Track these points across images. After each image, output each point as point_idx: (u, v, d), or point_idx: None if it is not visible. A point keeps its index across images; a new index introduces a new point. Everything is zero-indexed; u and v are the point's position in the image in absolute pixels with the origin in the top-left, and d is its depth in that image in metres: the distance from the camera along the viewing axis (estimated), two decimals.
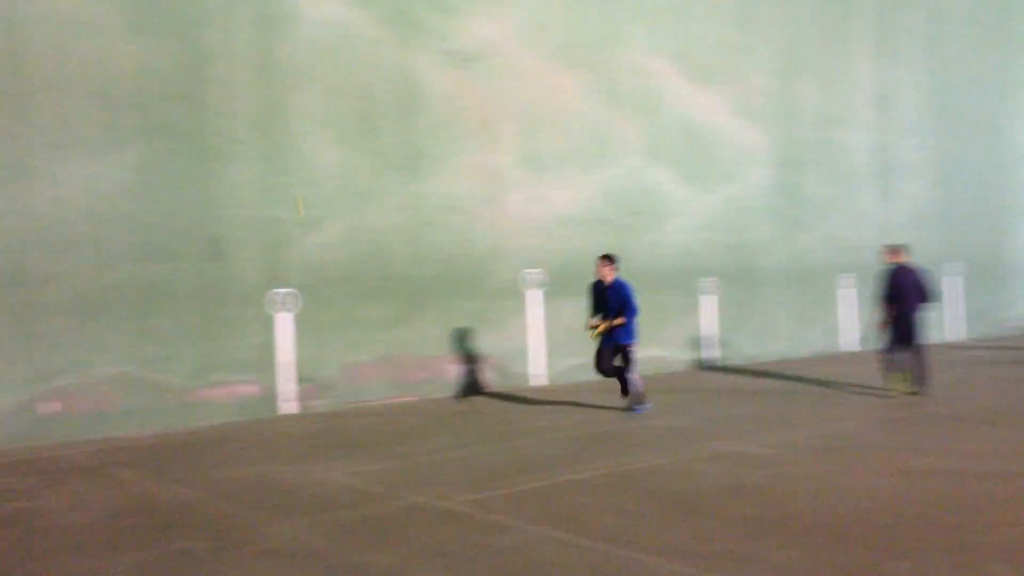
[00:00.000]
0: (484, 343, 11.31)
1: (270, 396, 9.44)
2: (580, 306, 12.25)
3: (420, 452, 7.71)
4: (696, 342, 13.60)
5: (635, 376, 9.44)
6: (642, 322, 12.96)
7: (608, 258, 9.50)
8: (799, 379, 12.23)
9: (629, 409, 9.43)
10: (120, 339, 8.53)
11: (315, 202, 9.85)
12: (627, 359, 9.44)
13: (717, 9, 13.88)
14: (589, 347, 12.48)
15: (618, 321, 9.22)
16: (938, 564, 4.91)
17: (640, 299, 12.81)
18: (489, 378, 11.31)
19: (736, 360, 14.02)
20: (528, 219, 11.77)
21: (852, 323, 15.66)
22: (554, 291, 11.89)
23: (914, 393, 10.54)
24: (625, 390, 9.56)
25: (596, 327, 9.33)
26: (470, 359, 11.21)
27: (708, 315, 13.73)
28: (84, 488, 6.48)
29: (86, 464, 7.26)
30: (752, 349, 14.31)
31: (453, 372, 11.06)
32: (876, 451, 7.76)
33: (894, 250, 10.88)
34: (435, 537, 5.34)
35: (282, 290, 9.54)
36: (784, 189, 14.84)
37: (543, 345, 11.76)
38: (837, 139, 15.65)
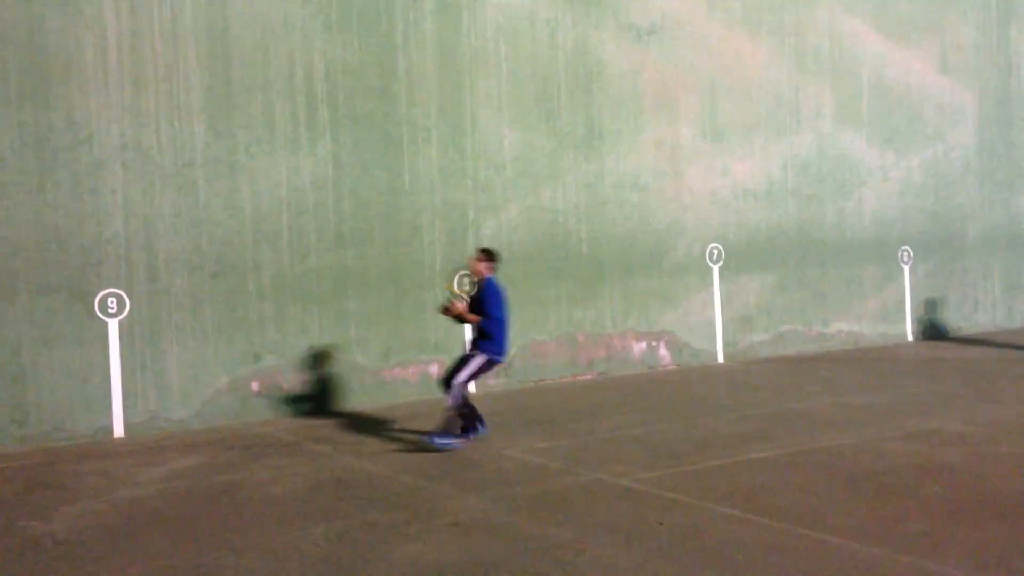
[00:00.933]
0: (664, 320, 11.24)
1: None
2: (761, 283, 11.91)
3: (599, 430, 7.80)
4: (894, 315, 12.88)
5: (457, 396, 7.21)
6: (833, 295, 12.58)
7: (485, 252, 7.57)
8: (1007, 351, 11.34)
9: (426, 435, 7.21)
10: (318, 322, 9.14)
11: (495, 184, 10.11)
12: (465, 362, 7.30)
13: None
14: (771, 324, 12.16)
15: (472, 317, 7.34)
16: None
17: (819, 272, 12.28)
18: (667, 356, 11.23)
19: (939, 333, 13.16)
20: (710, 193, 11.55)
21: None
22: (736, 266, 11.61)
23: None
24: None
25: (448, 309, 7.45)
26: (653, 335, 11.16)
27: (907, 286, 12.96)
28: (284, 463, 7.02)
29: (287, 440, 7.86)
30: (957, 321, 13.38)
31: (634, 349, 11.07)
32: None
33: None
34: (612, 513, 5.42)
35: (462, 272, 9.90)
36: (994, 149, 13.72)
37: (720, 322, 11.53)
38: None
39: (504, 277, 10.07)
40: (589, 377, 10.60)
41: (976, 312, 13.61)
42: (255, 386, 8.86)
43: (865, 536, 4.86)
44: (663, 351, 11.22)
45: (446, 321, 9.83)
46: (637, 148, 11.06)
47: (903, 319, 12.96)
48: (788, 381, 9.96)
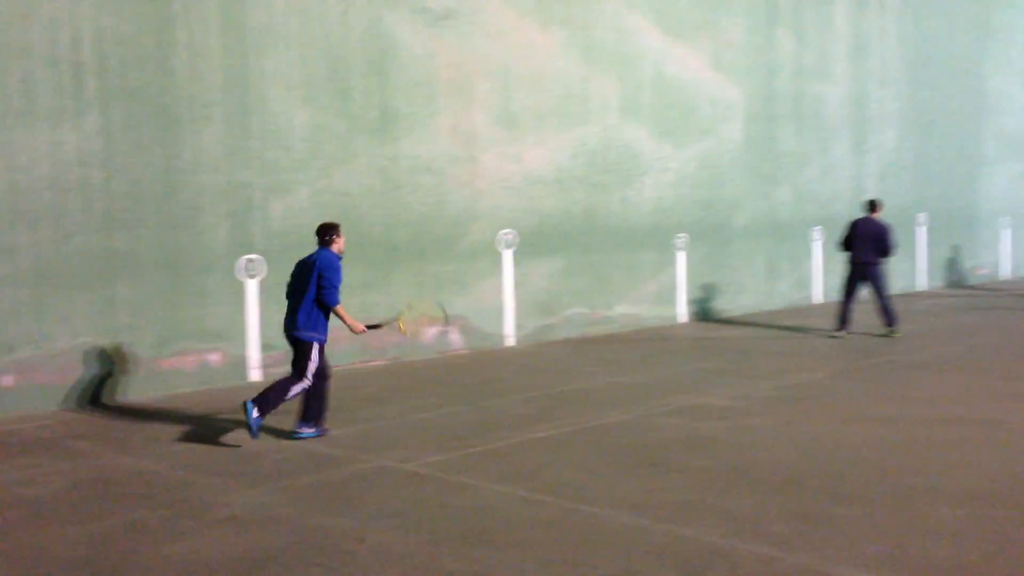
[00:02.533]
0: (457, 305, 11.38)
1: (239, 364, 9.49)
2: (551, 268, 12.31)
3: (387, 416, 7.79)
4: (669, 298, 13.70)
5: (296, 389, 6.88)
6: (616, 279, 13.22)
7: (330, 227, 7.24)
8: (766, 331, 12.37)
9: (295, 433, 6.95)
10: (82, 310, 8.53)
11: (284, 166, 9.82)
12: (302, 363, 6.93)
13: None
14: (558, 307, 12.62)
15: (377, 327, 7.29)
16: (884, 509, 5.05)
17: (604, 257, 12.89)
18: (459, 340, 11.39)
19: (707, 315, 14.13)
20: (503, 179, 11.77)
21: (823, 275, 15.79)
22: (527, 252, 11.93)
23: (888, 335, 11.17)
24: (266, 403, 6.68)
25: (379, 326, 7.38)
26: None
27: (681, 271, 13.81)
28: (39, 462, 6.49)
29: (44, 437, 7.29)
30: (724, 304, 14.42)
31: (427, 334, 11.14)
32: (834, 400, 7.90)
33: (870, 204, 11.57)
34: (396, 499, 5.45)
35: (250, 256, 9.55)
36: (759, 143, 14.85)
37: (511, 306, 11.82)
38: (812, 92, 15.62)
39: (292, 263, 9.84)
40: (381, 363, 10.56)
41: (741, 295, 14.72)
42: (8, 380, 8.15)
43: (633, 507, 5.17)
44: (455, 335, 11.36)
45: (229, 308, 9.49)
46: (432, 132, 11.09)
47: (678, 302, 13.81)
48: (572, 363, 10.37)
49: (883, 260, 11.47)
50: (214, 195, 9.34)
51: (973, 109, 18.78)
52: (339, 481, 5.83)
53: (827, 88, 15.87)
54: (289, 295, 7.14)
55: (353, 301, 10.34)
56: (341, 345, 10.25)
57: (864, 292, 11.77)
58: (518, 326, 11.88)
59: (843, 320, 11.47)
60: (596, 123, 12.71)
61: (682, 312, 13.82)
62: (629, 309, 13.17)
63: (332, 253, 7.14)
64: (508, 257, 11.81)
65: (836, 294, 15.87)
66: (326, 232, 7.22)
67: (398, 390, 8.96)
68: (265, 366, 9.63)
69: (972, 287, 18.04)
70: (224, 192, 9.41)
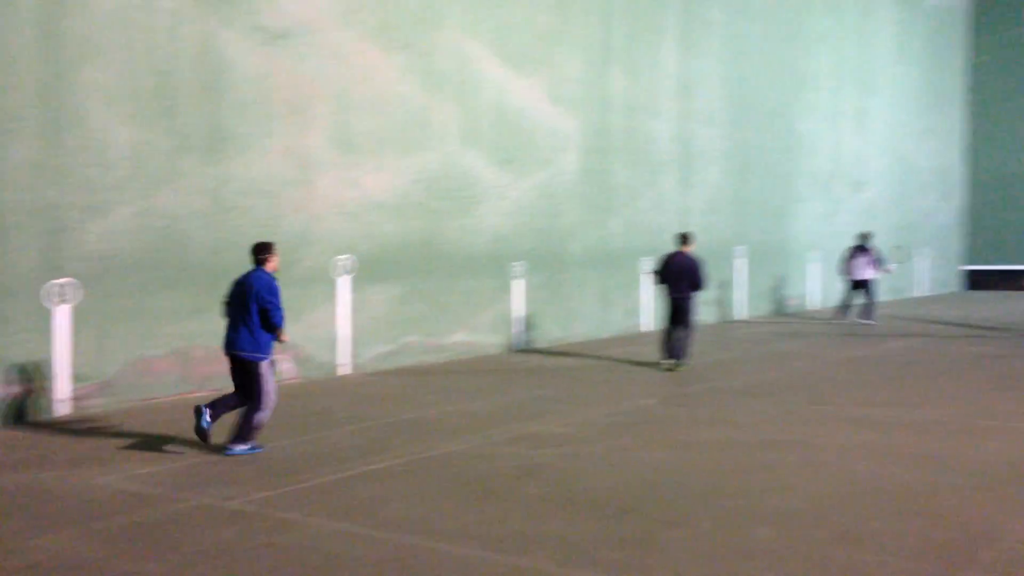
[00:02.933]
0: (289, 332, 11.02)
1: (44, 396, 8.78)
2: (388, 295, 12.15)
3: (208, 449, 7.39)
4: (505, 326, 13.82)
5: (262, 416, 7.19)
6: (453, 307, 13.20)
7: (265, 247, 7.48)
8: (599, 359, 12.68)
9: (229, 446, 7.16)
10: None
11: (103, 185, 9.22)
12: (257, 386, 7.14)
13: None
14: (394, 335, 12.47)
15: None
16: (710, 531, 5.21)
17: (443, 284, 12.88)
18: (292, 369, 11.03)
19: (543, 343, 14.35)
20: (340, 204, 11.54)
21: (652, 304, 16.40)
22: (364, 278, 11.72)
23: (673, 368, 11.35)
24: (241, 438, 7.14)
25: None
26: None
27: (517, 299, 13.98)
28: None
29: None
30: (558, 331, 14.69)
31: None
32: (664, 426, 8.16)
33: (682, 237, 11.82)
34: (216, 539, 5.14)
35: (60, 281, 8.88)
36: (593, 175, 15.29)
37: (347, 334, 11.58)
38: (643, 127, 16.27)
39: (109, 288, 9.24)
40: (204, 394, 10.05)
41: (576, 323, 15.06)
42: None
43: (470, 539, 5.10)
44: (287, 364, 10.98)
45: (34, 336, 8.78)
46: (266, 154, 10.74)
47: (515, 330, 13.95)
48: (408, 391, 10.24)
49: (695, 294, 11.49)
50: (22, 215, 8.65)
51: (786, 150, 20.12)
52: (154, 522, 5.45)
53: (657, 124, 16.57)
54: (228, 314, 7.32)
55: (178, 329, 9.83)
56: (160, 377, 9.70)
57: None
58: (353, 354, 11.63)
59: (668, 350, 11.65)
60: (436, 150, 12.71)
61: (519, 340, 13.97)
62: (466, 337, 13.18)
63: (267, 273, 7.33)
64: (344, 283, 11.57)
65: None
66: (260, 252, 7.41)
67: (221, 422, 8.53)
68: (77, 398, 8.95)
69: (786, 316, 19.22)
70: (33, 212, 8.73)
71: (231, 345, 7.17)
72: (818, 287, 21.10)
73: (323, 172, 11.35)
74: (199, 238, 10.08)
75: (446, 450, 7.28)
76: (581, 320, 15.13)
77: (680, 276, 11.44)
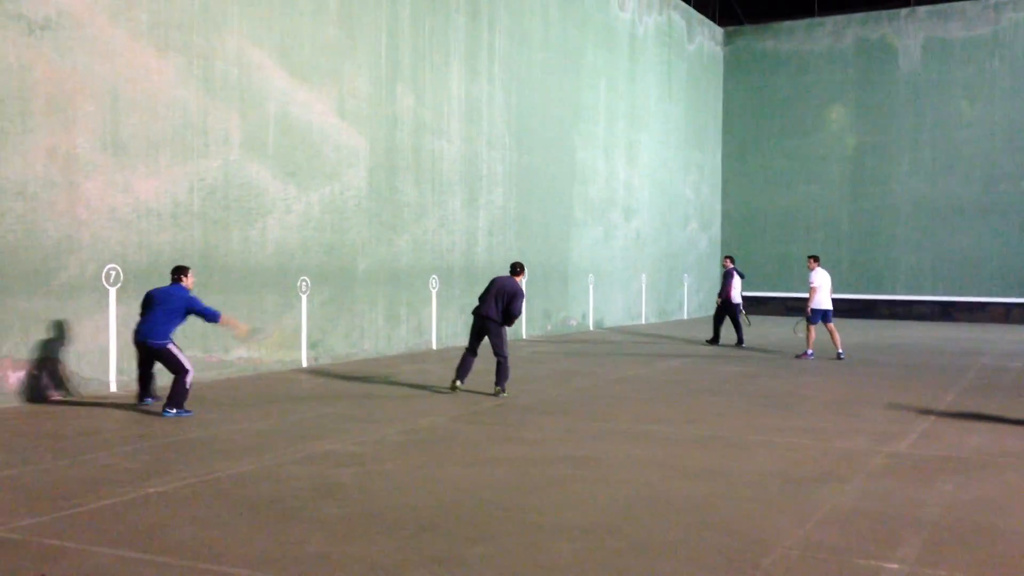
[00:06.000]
0: (50, 347, 10.06)
1: None
2: None
3: None
4: (291, 342, 13.38)
5: (189, 379, 9.42)
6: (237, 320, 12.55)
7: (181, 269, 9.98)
8: (388, 376, 12.58)
9: (172, 410, 9.26)
10: None
11: None
12: (177, 362, 9.43)
13: (320, 8, 13.79)
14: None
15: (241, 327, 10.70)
16: (509, 546, 5.28)
17: (222, 299, 12.30)
18: (50, 386, 10.07)
19: (329, 359, 14.04)
20: (109, 210, 10.70)
21: (440, 322, 16.50)
22: (135, 289, 10.92)
23: (496, 394, 11.08)
24: (176, 400, 9.32)
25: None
26: (40, 363, 9.91)
27: (304, 315, 13.58)
28: None
29: None
30: (345, 348, 14.43)
31: (10, 379, 9.70)
32: (458, 443, 8.20)
33: (515, 266, 11.42)
34: None
35: None
36: (381, 192, 15.19)
37: (114, 349, 10.75)
38: (430, 147, 16.39)
39: None
40: None
41: (363, 339, 14.84)
42: None
43: (268, 564, 4.85)
44: (45, 380, 10.01)
45: None
46: (24, 153, 9.78)
47: (301, 345, 13.54)
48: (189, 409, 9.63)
49: (502, 320, 10.98)
50: None
51: (566, 176, 21.00)
52: None
53: (443, 145, 16.76)
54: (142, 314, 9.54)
55: None
56: None
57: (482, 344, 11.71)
58: (123, 371, 10.80)
59: (462, 371, 11.31)
60: (216, 157, 12.13)
61: (304, 356, 13.57)
62: (249, 353, 12.63)
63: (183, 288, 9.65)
64: (113, 295, 10.73)
65: (453, 340, 16.67)
66: (177, 272, 9.86)
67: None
68: None
69: (566, 336, 19.98)
70: None
71: (142, 337, 9.41)
72: (591, 308, 22.12)
73: (89, 174, 10.51)
74: None
75: (235, 471, 6.91)
76: (369, 337, 14.94)
77: (498, 298, 11.04)
